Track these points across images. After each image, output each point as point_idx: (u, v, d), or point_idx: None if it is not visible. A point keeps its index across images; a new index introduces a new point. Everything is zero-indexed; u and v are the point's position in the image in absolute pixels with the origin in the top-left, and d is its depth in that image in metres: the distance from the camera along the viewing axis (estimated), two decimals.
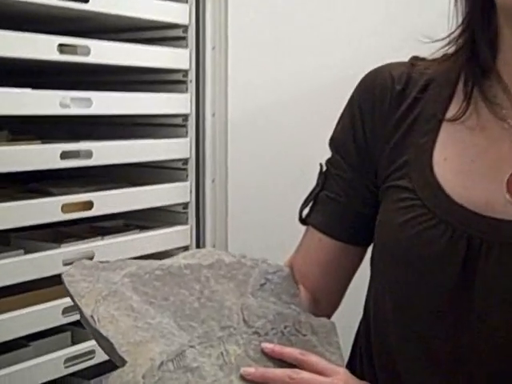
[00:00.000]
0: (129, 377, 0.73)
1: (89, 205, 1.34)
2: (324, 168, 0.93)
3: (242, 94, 1.60)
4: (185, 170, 1.55)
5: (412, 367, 0.82)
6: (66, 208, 1.29)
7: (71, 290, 0.82)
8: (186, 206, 1.56)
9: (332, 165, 0.92)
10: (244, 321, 0.83)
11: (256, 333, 0.82)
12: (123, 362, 0.75)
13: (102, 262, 0.87)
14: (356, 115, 0.89)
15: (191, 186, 1.55)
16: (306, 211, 0.93)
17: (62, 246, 1.32)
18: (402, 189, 0.83)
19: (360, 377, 0.84)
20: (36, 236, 1.37)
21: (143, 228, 1.53)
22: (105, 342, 0.78)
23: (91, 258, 1.33)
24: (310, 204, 0.93)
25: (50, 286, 1.28)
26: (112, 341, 0.76)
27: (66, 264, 1.29)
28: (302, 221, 0.94)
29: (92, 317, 0.79)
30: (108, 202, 1.39)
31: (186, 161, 1.55)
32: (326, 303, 0.94)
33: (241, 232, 1.62)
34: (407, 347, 0.82)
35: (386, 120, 0.86)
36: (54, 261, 1.29)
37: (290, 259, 0.95)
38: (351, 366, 0.93)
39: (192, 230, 1.56)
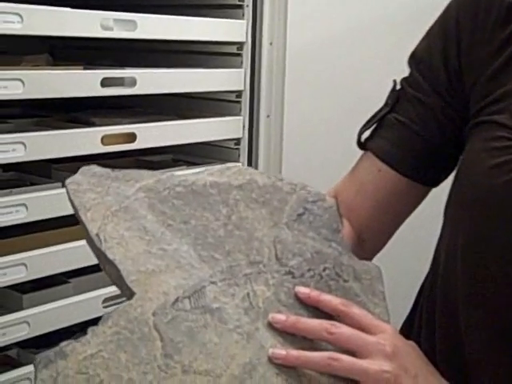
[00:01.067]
0: (136, 312, 0.63)
1: (131, 137, 1.25)
2: (398, 86, 0.79)
3: (302, 22, 1.47)
4: (238, 103, 1.44)
5: (475, 336, 0.70)
6: (106, 140, 1.20)
7: (75, 201, 0.70)
8: (238, 142, 1.46)
9: (410, 85, 0.78)
10: (276, 257, 0.70)
11: (290, 273, 0.69)
12: (131, 294, 0.64)
13: (114, 171, 0.74)
14: (451, 30, 0.75)
15: (244, 120, 1.45)
16: (366, 134, 0.80)
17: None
18: (498, 125, 0.69)
19: (416, 337, 0.73)
20: (76, 168, 1.29)
21: (192, 164, 1.45)
22: (111, 268, 0.67)
23: None
24: (373, 127, 0.80)
25: None
26: (119, 267, 0.65)
27: None
28: (361, 145, 0.81)
29: (98, 236, 0.67)
30: (153, 134, 1.29)
31: (239, 93, 1.44)
32: (371, 245, 0.82)
33: (296, 173, 1.50)
34: (473, 312, 0.70)
35: (488, 40, 0.72)
36: None
37: (336, 188, 0.83)
38: (409, 324, 0.82)
39: None
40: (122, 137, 1.23)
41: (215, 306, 0.65)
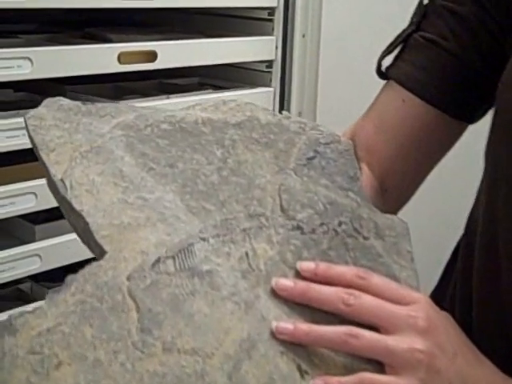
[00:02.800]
0: (107, 276, 0.51)
1: (152, 56, 1.14)
2: (425, 0, 0.65)
3: None
4: (270, 21, 1.33)
5: None
6: (123, 58, 1.10)
7: (36, 139, 0.58)
8: (269, 64, 1.34)
9: None
10: (282, 209, 0.58)
11: (298, 228, 0.57)
12: (101, 253, 0.53)
13: (85, 104, 0.62)
14: None
15: (277, 41, 1.33)
16: (389, 62, 0.67)
17: (120, 103, 1.13)
18: None
19: (449, 302, 0.62)
20: (93, 90, 1.20)
21: (219, 88, 1.35)
22: (77, 220, 0.55)
23: None
24: (397, 51, 0.67)
25: None
26: (87, 220, 0.53)
27: None
28: (381, 74, 0.68)
29: (62, 181, 0.55)
30: (176, 53, 1.18)
31: (272, 10, 1.32)
32: (395, 195, 0.69)
33: (333, 98, 1.39)
34: None
35: None
36: None
37: (353, 128, 0.69)
38: (439, 293, 0.70)
39: (275, 93, 1.35)
40: (141, 55, 1.13)
41: (206, 268, 0.53)
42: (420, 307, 0.54)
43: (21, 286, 1.17)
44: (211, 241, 0.54)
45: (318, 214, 0.58)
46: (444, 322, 0.55)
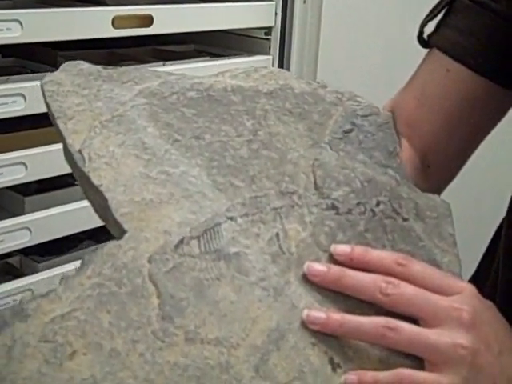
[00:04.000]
0: (126, 257, 0.47)
1: (147, 20, 1.09)
2: None
3: None
4: None
5: None
6: (118, 22, 1.05)
7: (53, 107, 0.54)
8: (269, 31, 1.29)
9: None
10: (316, 186, 0.54)
11: (333, 207, 0.53)
12: (121, 233, 0.49)
13: (107, 69, 0.58)
14: None
15: (277, 6, 1.28)
16: (432, 29, 0.62)
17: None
18: None
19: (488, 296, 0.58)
20: (85, 56, 1.14)
21: (216, 56, 1.30)
22: (95, 195, 0.51)
23: None
24: (440, 16, 0.62)
25: None
26: (106, 195, 0.50)
27: None
28: (423, 42, 0.63)
29: (80, 152, 0.52)
30: (172, 18, 1.13)
31: None
32: (438, 173, 0.64)
33: (334, 66, 1.34)
34: None
35: None
36: None
37: (393, 100, 0.65)
38: (478, 278, 0.66)
39: (275, 61, 1.30)
40: (136, 19, 1.08)
41: (233, 250, 0.49)
42: (465, 298, 0.50)
43: (10, 260, 1.13)
44: (239, 220, 0.51)
45: (355, 192, 0.55)
46: (490, 315, 0.51)
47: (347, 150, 0.57)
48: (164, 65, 1.16)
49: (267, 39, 1.30)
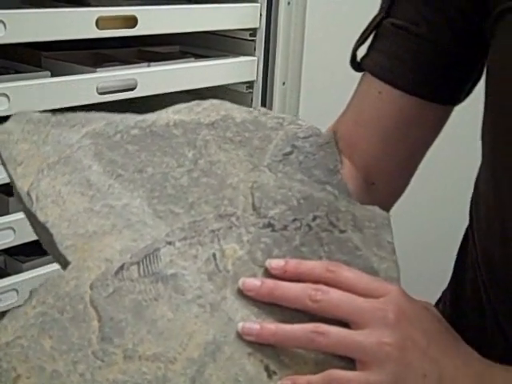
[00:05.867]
0: (69, 286, 0.49)
1: (132, 21, 1.09)
2: None
3: None
4: None
5: None
6: (102, 23, 1.05)
7: (4, 155, 0.57)
8: (254, 32, 1.29)
9: None
10: (253, 207, 0.56)
11: (269, 225, 0.55)
12: (65, 264, 0.51)
13: (55, 116, 0.61)
14: None
15: (262, 7, 1.28)
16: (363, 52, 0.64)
17: (98, 70, 1.09)
18: None
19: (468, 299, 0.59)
20: (70, 57, 1.15)
21: (201, 57, 1.30)
22: (42, 233, 0.54)
23: (132, 89, 1.09)
24: (369, 40, 0.64)
25: None
26: (52, 231, 0.52)
27: (101, 93, 1.06)
28: (356, 66, 0.65)
29: (29, 194, 0.54)
30: (157, 19, 1.13)
31: None
32: (383, 189, 0.66)
33: (318, 68, 1.34)
34: None
35: None
36: (88, 87, 1.05)
37: (335, 123, 0.67)
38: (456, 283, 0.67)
39: (259, 62, 1.30)
40: (120, 20, 1.08)
41: (170, 271, 0.51)
42: (391, 299, 0.51)
43: None
44: (177, 244, 0.52)
45: (291, 209, 0.56)
46: (418, 312, 0.52)
47: (285, 171, 0.59)
48: (149, 66, 1.17)
49: (252, 40, 1.30)
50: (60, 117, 0.60)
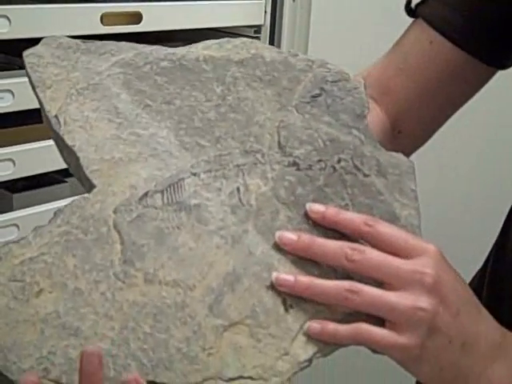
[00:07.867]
0: (94, 209, 0.51)
1: (137, 17, 1.09)
2: None
3: None
4: None
5: None
6: (107, 19, 1.05)
7: (33, 77, 0.58)
8: (258, 29, 1.30)
9: None
10: (279, 145, 0.57)
11: (294, 164, 0.56)
12: (91, 187, 0.53)
13: (85, 42, 0.62)
14: None
15: (266, 4, 1.28)
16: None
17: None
18: None
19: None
20: None
21: None
22: (70, 156, 0.55)
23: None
24: None
25: None
26: (79, 154, 0.54)
27: None
28: (410, 11, 0.64)
29: (57, 117, 0.55)
30: (161, 16, 1.14)
31: None
32: (409, 139, 0.67)
33: None
34: None
35: None
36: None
37: (371, 67, 0.67)
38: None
39: None
40: (125, 16, 1.08)
41: (194, 202, 0.53)
42: (429, 261, 0.51)
43: None
44: (202, 176, 0.54)
45: (317, 150, 0.57)
46: (451, 278, 0.52)
47: (313, 113, 0.59)
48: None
49: (257, 37, 1.30)
50: (90, 44, 0.62)
